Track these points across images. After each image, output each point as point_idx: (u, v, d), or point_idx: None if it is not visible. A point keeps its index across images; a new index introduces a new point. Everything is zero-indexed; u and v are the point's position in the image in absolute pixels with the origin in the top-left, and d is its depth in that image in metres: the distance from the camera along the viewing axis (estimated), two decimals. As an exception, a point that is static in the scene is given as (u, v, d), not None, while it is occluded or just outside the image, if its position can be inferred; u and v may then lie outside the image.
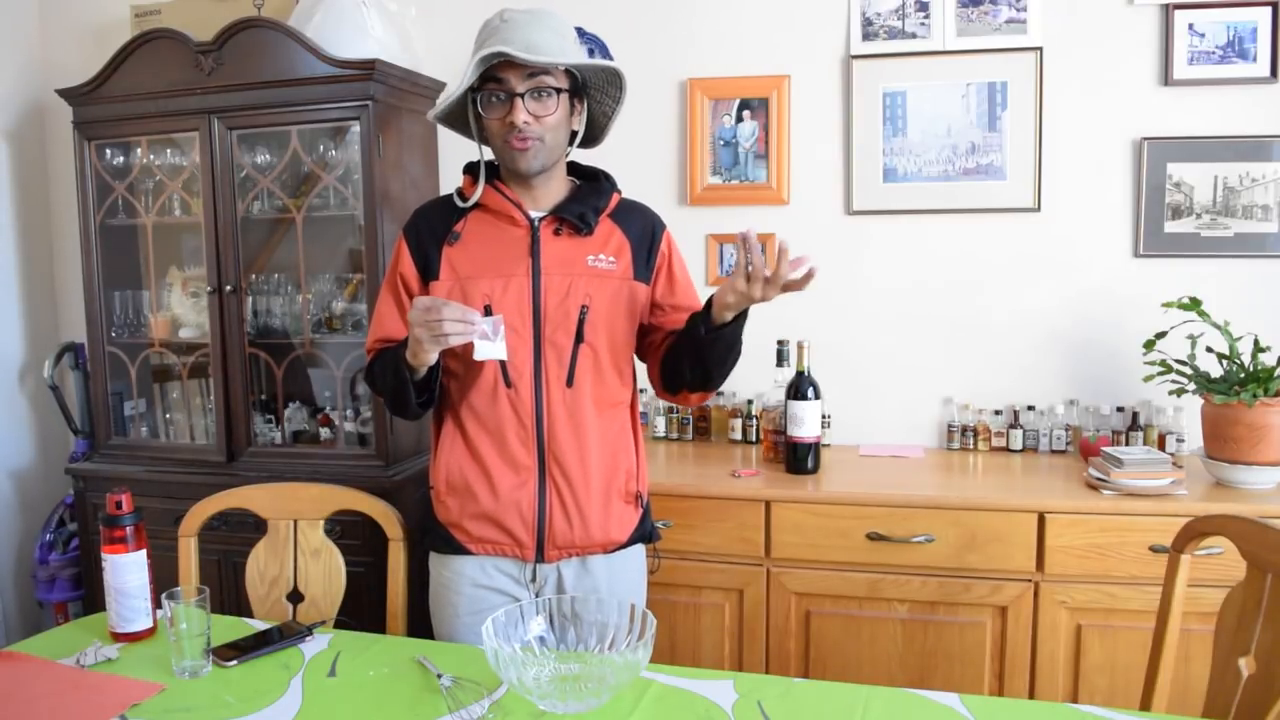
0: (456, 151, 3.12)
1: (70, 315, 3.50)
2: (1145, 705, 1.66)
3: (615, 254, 1.80)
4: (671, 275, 1.88)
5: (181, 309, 3.14)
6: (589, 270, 1.77)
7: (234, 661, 1.60)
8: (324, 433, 3.04)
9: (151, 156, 3.06)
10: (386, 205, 2.80)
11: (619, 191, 1.87)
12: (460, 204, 1.80)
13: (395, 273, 1.84)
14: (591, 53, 2.99)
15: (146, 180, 3.09)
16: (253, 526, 2.09)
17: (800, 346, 2.55)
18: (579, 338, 1.76)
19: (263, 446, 3.00)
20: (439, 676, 1.51)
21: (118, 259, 3.15)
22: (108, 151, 3.08)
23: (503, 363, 1.74)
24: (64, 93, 3.00)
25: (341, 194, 2.87)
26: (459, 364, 1.79)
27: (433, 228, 1.82)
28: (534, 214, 1.78)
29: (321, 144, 2.91)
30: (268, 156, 2.95)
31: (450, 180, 3.12)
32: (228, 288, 2.91)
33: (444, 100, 1.76)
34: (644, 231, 1.85)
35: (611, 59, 2.98)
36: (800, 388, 2.52)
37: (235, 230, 2.90)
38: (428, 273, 1.80)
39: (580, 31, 2.99)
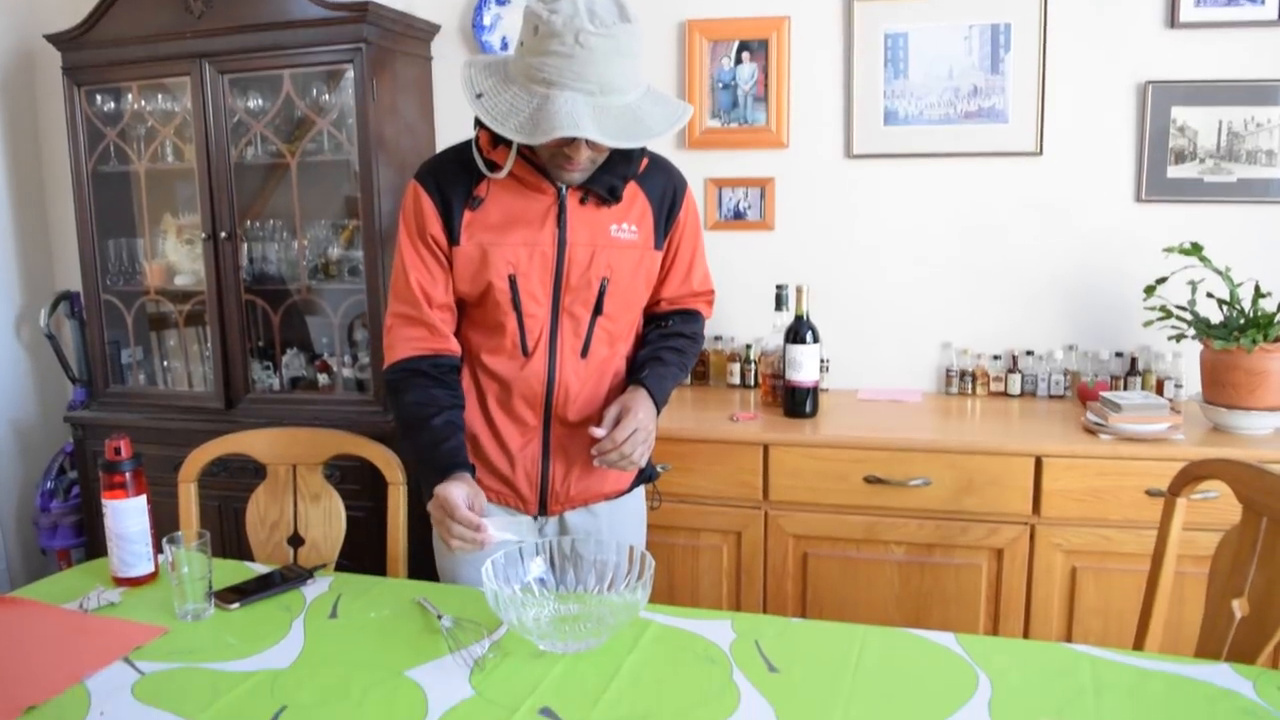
0: (453, 96, 3.09)
1: (65, 263, 3.48)
2: (1138, 646, 1.67)
3: (637, 222, 1.76)
4: (676, 252, 1.84)
5: (176, 256, 3.12)
6: (612, 241, 1.73)
7: (236, 604, 1.61)
8: (322, 379, 3.04)
9: (143, 102, 3.02)
10: (381, 150, 2.77)
11: (647, 156, 1.78)
12: (487, 171, 1.68)
13: (425, 233, 1.71)
14: None
15: (138, 126, 3.05)
16: (252, 472, 2.09)
17: (799, 290, 2.54)
18: (598, 309, 1.74)
19: (261, 393, 3.00)
20: (439, 618, 1.52)
21: (111, 206, 3.13)
22: (98, 97, 3.04)
23: (522, 333, 1.72)
24: (52, 38, 2.95)
25: (336, 139, 2.85)
26: (480, 316, 1.76)
27: (454, 188, 1.70)
28: (561, 182, 1.70)
29: (315, 88, 2.88)
30: (260, 101, 2.92)
31: (446, 125, 3.10)
32: (222, 234, 2.90)
33: (499, 119, 1.54)
34: (665, 195, 1.79)
35: None
36: (799, 331, 2.51)
37: (229, 176, 2.88)
38: (450, 236, 1.71)
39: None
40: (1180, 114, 2.66)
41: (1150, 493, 2.22)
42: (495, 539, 1.52)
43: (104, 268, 3.12)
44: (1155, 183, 2.70)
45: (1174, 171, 2.69)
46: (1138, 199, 2.73)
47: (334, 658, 1.44)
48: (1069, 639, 2.32)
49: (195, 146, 2.89)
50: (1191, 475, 1.67)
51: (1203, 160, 2.66)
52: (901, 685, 1.33)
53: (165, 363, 3.22)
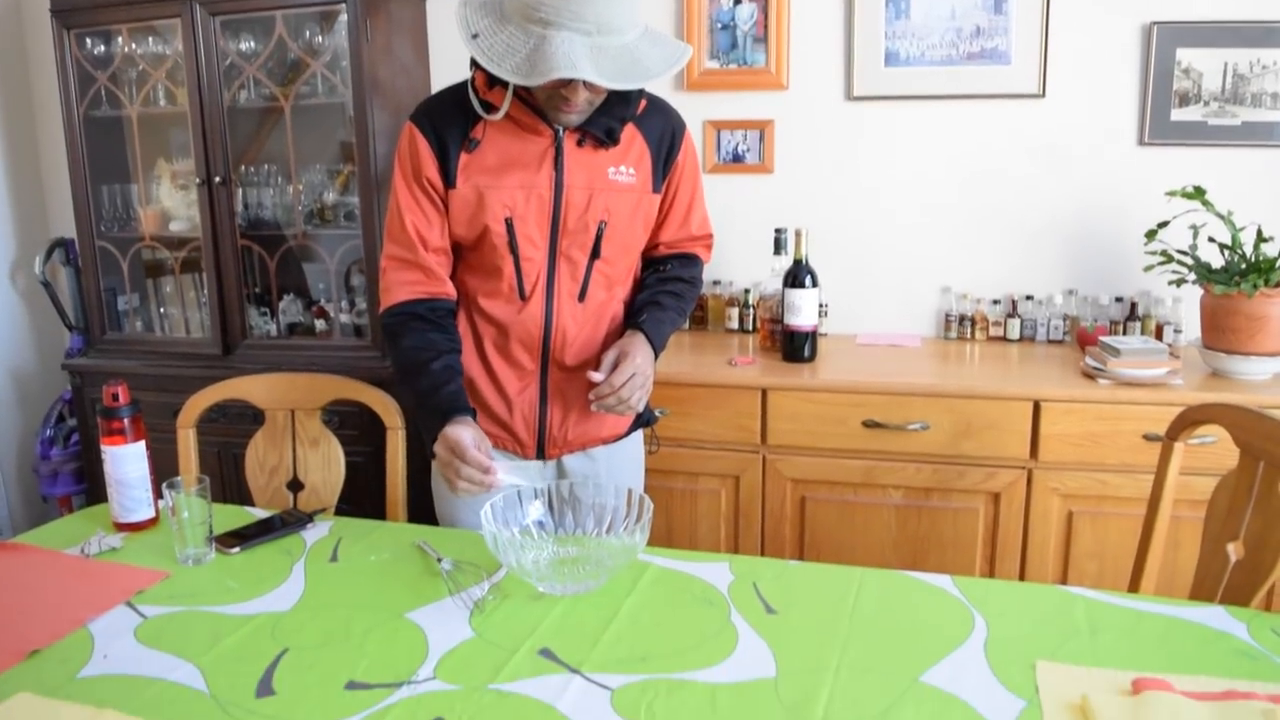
0: (447, 37, 3.04)
1: (59, 210, 3.45)
2: (1133, 589, 1.69)
3: (635, 164, 1.74)
4: (674, 195, 1.82)
5: (171, 202, 3.09)
6: (610, 184, 1.71)
7: (236, 549, 1.62)
8: (319, 324, 3.04)
9: (133, 45, 2.97)
10: (376, 93, 2.73)
11: (645, 98, 1.75)
12: (483, 113, 1.66)
13: (420, 176, 1.68)
14: None
15: (129, 70, 3.01)
16: (251, 418, 2.09)
17: (798, 234, 2.52)
18: (595, 253, 1.73)
19: (258, 339, 3.00)
20: (439, 560, 1.53)
21: (104, 152, 3.09)
22: (88, 40, 2.99)
23: (519, 276, 1.71)
24: (39, -22, 2.90)
25: (330, 82, 2.81)
26: (476, 259, 1.75)
27: (450, 130, 1.67)
28: (558, 124, 1.67)
29: (308, 29, 2.83)
30: (253, 44, 2.87)
31: (441, 67, 3.06)
32: (217, 179, 2.87)
33: (495, 59, 1.50)
34: (663, 138, 1.76)
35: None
36: (798, 275, 2.50)
37: (222, 120, 2.84)
38: (446, 179, 1.69)
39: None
40: (1185, 56, 2.62)
41: (1148, 437, 2.23)
42: (503, 482, 1.53)
43: (98, 214, 3.10)
44: (1158, 126, 2.67)
45: (1178, 114, 2.66)
46: (1140, 142, 2.70)
47: (335, 600, 1.45)
48: (1064, 583, 2.33)
49: (187, 90, 2.85)
50: (1190, 420, 1.67)
51: (1207, 103, 2.63)
52: (898, 626, 1.34)
53: (162, 309, 3.21)
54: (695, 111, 2.90)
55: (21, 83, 3.42)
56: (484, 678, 1.21)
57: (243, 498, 2.08)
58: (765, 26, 2.83)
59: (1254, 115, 2.61)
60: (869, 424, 2.37)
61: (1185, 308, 2.65)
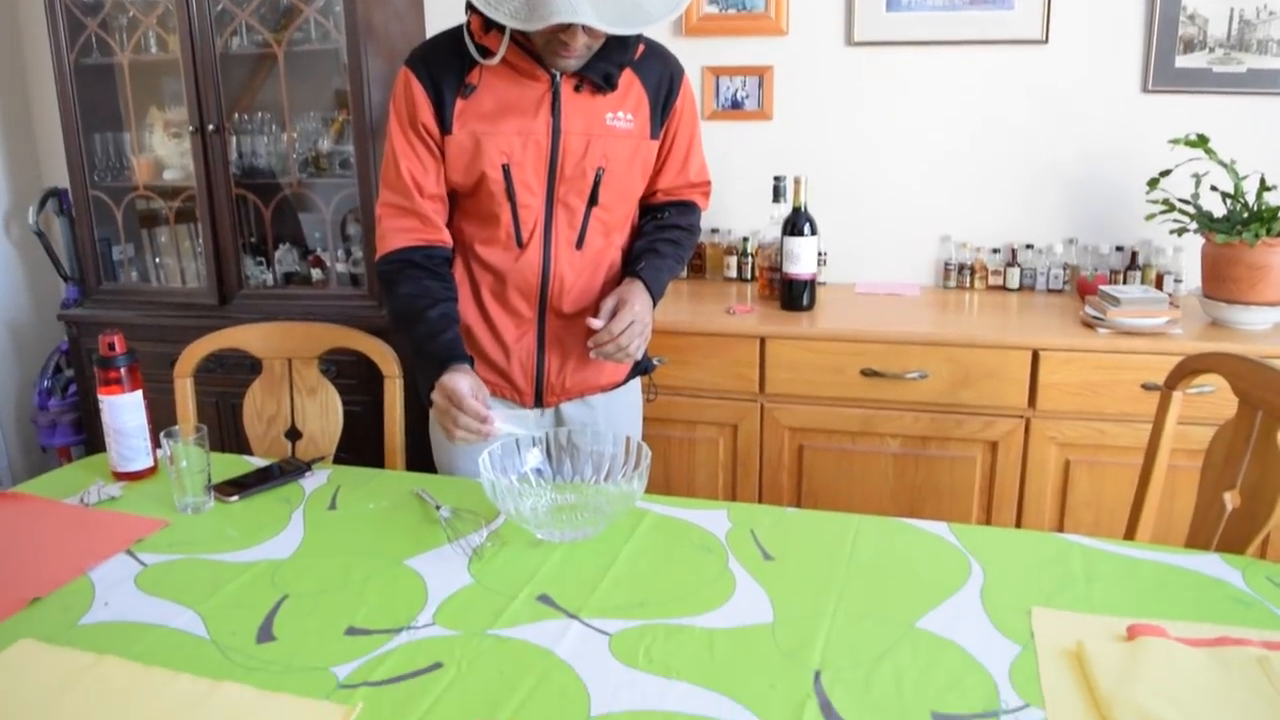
0: (442, -19, 3.00)
1: (52, 160, 3.41)
2: (1129, 537, 1.69)
3: (633, 110, 1.72)
4: (673, 141, 1.81)
5: (164, 150, 3.06)
6: (608, 130, 1.69)
7: (235, 497, 1.62)
8: (315, 274, 3.02)
9: (123, -10, 2.93)
10: (370, 38, 2.69)
11: (643, 43, 1.73)
12: (479, 58, 1.63)
13: (416, 121, 1.66)
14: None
15: (120, 16, 2.96)
16: (248, 368, 2.09)
17: (797, 182, 2.50)
18: (593, 200, 1.72)
19: (254, 288, 2.98)
20: (437, 508, 1.54)
21: (96, 100, 3.05)
22: (76, -14, 2.94)
23: (516, 224, 1.70)
24: (25, -80, 2.85)
25: (324, 27, 2.76)
26: (473, 206, 1.74)
27: (446, 75, 1.65)
28: (555, 69, 1.65)
29: (300, -27, 2.78)
30: (244, -13, 2.83)
31: (436, 12, 3.01)
32: (210, 127, 2.83)
33: (493, 3, 1.47)
34: (661, 83, 1.74)
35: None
36: (797, 223, 2.48)
37: (215, 67, 2.80)
38: (442, 125, 1.67)
39: None
40: (1191, 1, 2.58)
41: (1146, 387, 2.22)
42: (501, 430, 1.53)
43: (91, 163, 3.06)
44: (1163, 72, 2.64)
45: (1182, 61, 2.62)
46: (1144, 89, 2.67)
47: (334, 548, 1.45)
48: (1061, 531, 2.34)
49: (179, 36, 2.81)
50: (1189, 369, 1.66)
51: (1212, 50, 2.60)
52: (895, 573, 1.35)
53: (157, 259, 3.19)
54: (694, 57, 2.86)
55: (11, 31, 3.36)
56: (483, 623, 1.22)
57: (241, 447, 2.08)
58: (765, -30, 2.79)
59: (1260, 62, 2.58)
60: (867, 373, 2.36)
61: (1186, 257, 2.64)
